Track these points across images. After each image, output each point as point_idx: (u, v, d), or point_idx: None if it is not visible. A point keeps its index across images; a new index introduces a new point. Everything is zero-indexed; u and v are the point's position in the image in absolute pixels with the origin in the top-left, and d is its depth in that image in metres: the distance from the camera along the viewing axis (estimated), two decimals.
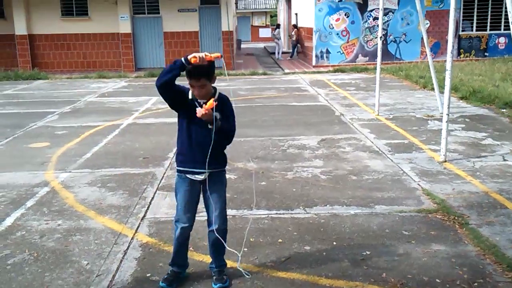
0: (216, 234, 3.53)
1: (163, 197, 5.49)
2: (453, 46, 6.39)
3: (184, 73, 3.29)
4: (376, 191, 5.49)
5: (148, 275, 3.79)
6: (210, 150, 3.35)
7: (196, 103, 3.36)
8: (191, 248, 4.17)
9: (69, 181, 6.12)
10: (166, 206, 5.21)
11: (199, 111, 3.24)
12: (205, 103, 3.31)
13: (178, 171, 3.52)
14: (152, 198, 5.47)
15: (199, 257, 4.04)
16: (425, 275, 3.68)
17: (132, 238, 4.44)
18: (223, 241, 3.56)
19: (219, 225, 3.53)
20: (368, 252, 4.06)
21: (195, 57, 3.17)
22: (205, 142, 3.35)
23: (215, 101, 3.30)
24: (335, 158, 6.85)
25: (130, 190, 5.73)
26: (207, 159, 3.36)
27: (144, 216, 4.96)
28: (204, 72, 3.27)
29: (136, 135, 8.62)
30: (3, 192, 5.73)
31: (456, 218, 4.68)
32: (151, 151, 7.43)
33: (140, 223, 4.78)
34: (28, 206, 5.27)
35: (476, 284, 3.54)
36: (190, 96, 3.39)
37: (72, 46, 20.19)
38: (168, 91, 3.31)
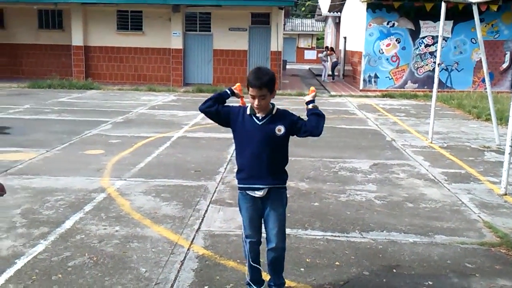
0: (274, 252, 3.47)
1: (216, 211, 5.50)
2: None
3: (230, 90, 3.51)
4: (434, 220, 5.33)
5: (205, 287, 3.77)
6: (268, 165, 3.34)
7: (254, 118, 3.34)
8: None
9: (124, 188, 6.23)
10: (219, 220, 5.22)
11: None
12: (265, 117, 3.33)
13: (239, 188, 3.49)
14: (206, 211, 5.49)
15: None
16: None
17: (188, 249, 4.45)
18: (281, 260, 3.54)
19: (277, 243, 3.45)
20: (430, 283, 3.92)
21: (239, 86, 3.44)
22: (262, 156, 3.32)
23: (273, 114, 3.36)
24: (389, 184, 6.71)
25: (184, 202, 5.78)
26: (266, 174, 3.34)
27: (199, 228, 4.98)
28: (266, 82, 3.24)
29: (187, 148, 8.72)
30: (62, 196, 5.88)
31: None
32: (202, 165, 7.49)
33: (195, 234, 4.80)
34: (86, 211, 5.38)
35: None
36: (248, 112, 3.36)
37: (124, 59, 20.81)
38: (212, 116, 3.46)
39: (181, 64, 20.48)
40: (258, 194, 3.39)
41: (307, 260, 4.29)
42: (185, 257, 4.29)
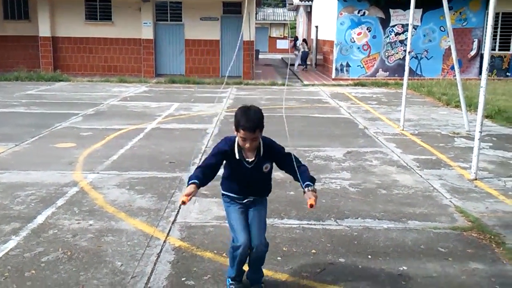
0: (257, 252, 3.42)
1: (192, 202, 5.45)
2: (480, 65, 6.30)
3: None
4: (407, 206, 5.42)
5: (183, 279, 3.76)
6: (256, 190, 3.47)
7: (244, 162, 3.32)
8: (224, 254, 4.17)
9: (97, 182, 6.13)
10: (195, 211, 5.19)
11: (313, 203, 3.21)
12: (254, 160, 3.32)
13: (226, 195, 3.52)
14: None
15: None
16: None
17: (165, 242, 4.42)
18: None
19: (260, 243, 3.41)
20: (405, 268, 3.99)
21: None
22: (251, 186, 3.43)
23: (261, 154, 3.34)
24: (362, 171, 6.79)
25: (159, 194, 5.72)
26: (253, 194, 3.48)
27: (175, 220, 4.94)
28: (258, 124, 3.20)
29: (161, 139, 8.63)
30: (33, 190, 5.75)
31: (492, 237, 4.60)
32: (176, 156, 7.43)
33: (171, 226, 4.76)
34: (58, 205, 5.28)
35: None
36: (237, 156, 3.32)
37: (94, 50, 20.40)
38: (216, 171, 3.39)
39: (153, 55, 20.20)
40: (246, 200, 3.47)
41: (284, 249, 4.32)
42: (161, 249, 4.26)
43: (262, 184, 3.50)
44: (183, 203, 3.15)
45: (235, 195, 3.47)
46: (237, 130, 3.21)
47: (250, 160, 3.33)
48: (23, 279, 3.71)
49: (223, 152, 3.37)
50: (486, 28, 6.10)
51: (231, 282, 3.59)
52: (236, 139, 3.32)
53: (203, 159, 7.14)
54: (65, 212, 5.09)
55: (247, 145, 3.23)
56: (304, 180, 3.34)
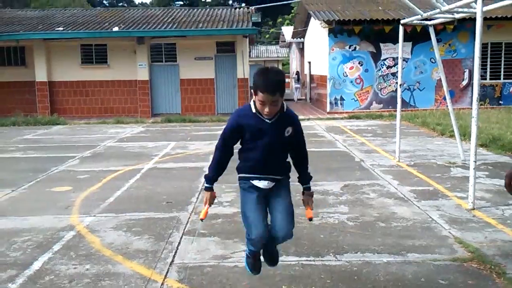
0: (279, 241, 3.40)
1: (189, 242, 5.43)
2: (471, 94, 6.40)
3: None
4: (406, 239, 5.39)
5: None
6: (276, 161, 3.26)
7: (262, 117, 3.08)
8: None
9: (94, 225, 6.10)
10: (193, 251, 5.15)
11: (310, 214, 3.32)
12: (276, 119, 3.11)
13: (244, 178, 3.28)
14: (179, 243, 5.41)
15: None
16: None
17: (162, 284, 4.37)
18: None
19: (286, 232, 3.31)
20: None
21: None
22: (272, 153, 3.20)
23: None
24: (360, 205, 6.78)
25: (156, 235, 5.68)
26: (273, 169, 3.27)
27: (173, 261, 4.89)
28: (280, 86, 2.97)
29: (158, 179, 8.63)
30: (29, 236, 5.71)
31: (492, 267, 4.56)
32: (173, 196, 7.42)
33: (169, 268, 4.71)
34: (55, 250, 5.23)
35: None
36: (253, 110, 3.08)
37: (90, 93, 20.63)
38: (231, 149, 3.32)
39: (148, 95, 20.42)
40: (263, 185, 3.23)
41: (283, 287, 4.27)
42: None
43: (282, 156, 3.25)
44: (205, 214, 3.28)
45: (253, 175, 3.21)
46: (255, 93, 2.97)
47: (269, 118, 3.07)
48: None
49: (235, 121, 3.15)
50: (475, 58, 6.25)
51: (249, 251, 3.51)
52: (252, 103, 3.09)
53: (200, 197, 7.19)
54: (62, 257, 5.04)
55: (266, 109, 2.96)
56: (303, 182, 3.43)
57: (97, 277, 4.54)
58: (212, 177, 3.33)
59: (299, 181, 3.49)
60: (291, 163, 3.47)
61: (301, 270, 4.61)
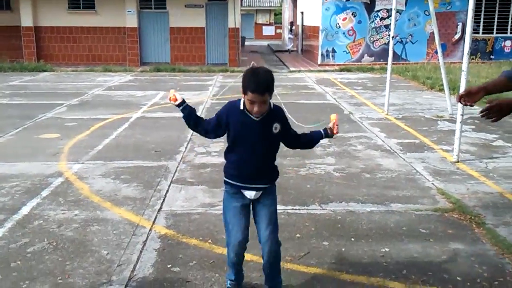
0: (269, 256, 3.20)
1: (177, 190, 5.50)
2: (463, 48, 6.36)
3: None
4: (390, 189, 5.50)
5: (169, 266, 3.79)
6: (263, 163, 3.16)
7: (250, 115, 3.03)
8: (210, 241, 4.22)
9: (82, 172, 6.13)
10: (181, 199, 5.22)
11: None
12: (264, 117, 3.03)
13: (229, 185, 3.20)
14: (167, 191, 5.47)
15: (219, 250, 4.05)
16: (446, 272, 3.70)
17: (150, 230, 4.45)
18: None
19: (271, 245, 3.17)
20: (387, 249, 4.07)
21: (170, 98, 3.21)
22: (258, 154, 3.11)
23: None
24: (347, 156, 6.86)
25: (144, 183, 5.74)
26: (261, 173, 3.15)
27: (161, 208, 4.97)
28: (269, 86, 2.93)
29: (146, 128, 8.62)
30: (18, 182, 5.74)
31: (472, 217, 4.70)
32: (162, 145, 7.44)
33: (157, 215, 4.79)
34: (43, 196, 5.27)
35: (496, 282, 3.56)
36: (241, 107, 3.04)
37: (77, 39, 20.19)
38: (213, 132, 3.24)
39: (137, 43, 20.05)
40: (251, 195, 3.16)
41: None
42: (147, 237, 4.29)
43: (270, 158, 3.18)
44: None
45: (241, 184, 3.14)
46: (245, 93, 2.94)
47: (257, 116, 3.02)
48: (9, 269, 3.73)
49: (225, 112, 3.10)
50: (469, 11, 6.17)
51: (230, 282, 3.39)
52: (242, 100, 3.04)
53: (189, 147, 7.22)
54: (50, 202, 5.09)
55: (256, 109, 2.94)
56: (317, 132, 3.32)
57: (85, 222, 4.61)
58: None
59: (321, 131, 3.37)
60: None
61: (286, 219, 4.71)
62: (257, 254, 3.73)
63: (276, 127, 3.09)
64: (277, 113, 3.13)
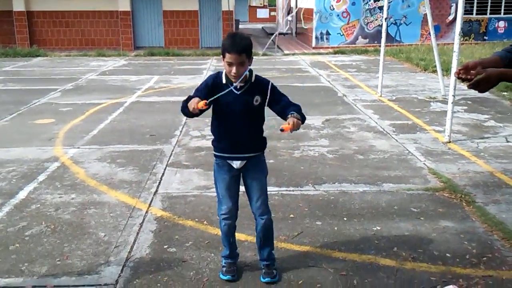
0: (262, 226, 3.34)
1: (173, 173, 5.56)
2: (460, 29, 6.40)
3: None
4: (383, 170, 5.59)
5: (165, 246, 3.87)
6: (247, 135, 3.20)
7: (231, 87, 3.08)
8: (205, 222, 4.29)
9: (78, 156, 6.17)
10: (177, 182, 5.29)
11: (286, 127, 2.88)
12: (243, 87, 3.07)
13: (216, 156, 3.30)
14: (163, 174, 5.54)
15: (214, 231, 4.13)
16: (435, 249, 3.79)
17: (147, 212, 4.52)
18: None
19: (264, 215, 3.33)
20: (378, 228, 4.17)
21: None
22: (241, 127, 3.17)
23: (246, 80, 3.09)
24: (340, 138, 6.93)
25: (140, 166, 5.80)
26: (245, 144, 3.22)
27: (156, 191, 5.04)
28: (245, 47, 2.99)
29: (141, 113, 8.65)
30: (14, 167, 5.78)
31: (462, 196, 4.79)
32: (157, 129, 7.48)
33: (153, 197, 4.86)
34: (40, 180, 5.33)
35: (485, 258, 3.66)
36: (224, 81, 3.11)
37: (70, 24, 20.04)
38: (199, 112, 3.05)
39: (130, 27, 19.93)
40: (236, 164, 3.25)
41: None
42: (143, 219, 4.37)
43: (254, 129, 3.24)
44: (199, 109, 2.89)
45: (227, 154, 3.24)
46: (223, 56, 3.01)
47: (238, 85, 3.07)
48: (7, 252, 3.80)
49: (209, 82, 3.14)
50: None
51: (224, 261, 3.47)
52: (223, 73, 3.12)
53: (183, 131, 7.27)
54: (47, 187, 5.15)
55: (234, 70, 2.98)
56: (289, 111, 3.05)
57: (82, 205, 4.68)
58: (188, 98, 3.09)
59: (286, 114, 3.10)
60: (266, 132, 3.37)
61: (280, 200, 4.79)
62: (251, 234, 3.83)
63: (257, 100, 3.14)
64: (259, 86, 3.16)
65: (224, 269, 3.46)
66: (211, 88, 3.12)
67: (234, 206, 3.34)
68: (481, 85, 2.50)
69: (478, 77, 2.47)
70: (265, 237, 3.41)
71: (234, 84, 3.09)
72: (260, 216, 3.34)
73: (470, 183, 5.16)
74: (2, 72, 13.90)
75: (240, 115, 3.15)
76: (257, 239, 3.45)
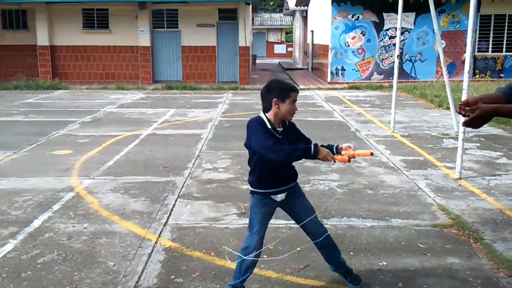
0: (324, 239, 3.62)
1: (184, 205, 5.66)
2: (470, 66, 6.50)
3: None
4: (392, 205, 5.61)
5: (172, 277, 3.94)
6: (289, 170, 3.53)
7: (275, 132, 3.35)
8: (212, 253, 4.36)
9: (93, 187, 6.33)
10: (187, 213, 5.38)
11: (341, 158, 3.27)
12: (283, 130, 3.38)
13: (260, 193, 3.46)
14: (174, 205, 5.64)
15: (221, 262, 4.19)
16: (441, 286, 3.79)
17: (156, 242, 4.61)
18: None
19: (322, 229, 3.65)
20: (384, 263, 4.18)
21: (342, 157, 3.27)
22: (286, 165, 3.48)
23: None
24: (351, 173, 6.98)
25: (152, 197, 5.91)
26: (288, 178, 3.52)
27: (167, 222, 5.13)
28: None
29: (156, 145, 8.83)
30: (30, 196, 5.95)
31: (470, 233, 4.78)
32: (170, 161, 7.63)
33: (163, 228, 4.95)
34: (54, 210, 5.47)
35: None
36: (269, 126, 3.33)
37: (92, 58, 20.66)
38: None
39: (150, 62, 20.45)
40: (281, 197, 3.48)
41: (270, 247, 4.48)
42: (152, 250, 4.45)
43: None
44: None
45: (270, 190, 3.43)
46: (287, 97, 3.28)
47: (279, 130, 3.37)
48: (20, 279, 3.90)
49: (265, 127, 3.33)
50: (478, 30, 6.32)
51: None
52: (261, 116, 3.36)
53: (196, 163, 7.40)
54: (61, 216, 5.29)
55: (292, 108, 3.32)
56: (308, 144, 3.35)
57: (94, 235, 4.79)
58: (295, 147, 3.27)
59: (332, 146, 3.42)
60: None
61: (288, 232, 4.83)
62: (257, 266, 3.87)
63: (292, 139, 3.43)
64: (290, 126, 3.50)
65: None
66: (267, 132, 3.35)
67: (264, 236, 3.54)
68: (475, 122, 2.57)
69: (472, 115, 2.54)
70: (335, 246, 3.71)
71: (278, 129, 3.37)
72: (323, 232, 3.61)
73: (479, 220, 5.15)
74: (25, 104, 14.33)
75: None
76: (325, 253, 3.72)
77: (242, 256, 3.50)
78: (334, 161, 3.31)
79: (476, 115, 2.54)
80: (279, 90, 3.32)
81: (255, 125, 3.34)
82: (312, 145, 3.25)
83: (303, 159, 3.31)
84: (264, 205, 3.48)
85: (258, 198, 3.49)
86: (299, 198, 3.59)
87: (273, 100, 3.30)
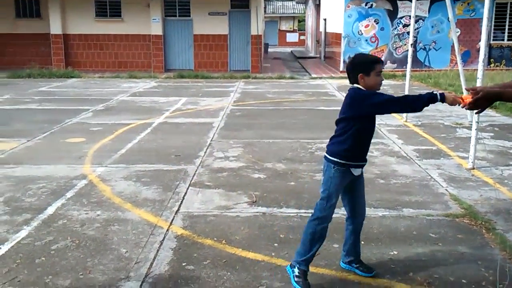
0: (361, 223, 3.82)
1: (195, 193, 5.69)
2: (484, 55, 6.41)
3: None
4: (403, 195, 5.59)
5: (183, 264, 3.98)
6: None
7: None
8: (224, 241, 4.39)
9: (105, 175, 6.38)
10: (198, 202, 5.41)
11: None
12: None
13: (343, 164, 3.52)
14: (185, 193, 5.67)
15: (232, 250, 4.21)
16: (452, 275, 3.78)
17: (168, 230, 4.64)
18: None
19: (364, 214, 3.86)
20: (395, 252, 4.17)
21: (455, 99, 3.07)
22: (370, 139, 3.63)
23: None
24: None
25: (164, 185, 5.95)
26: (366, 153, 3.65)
27: (178, 210, 5.17)
28: None
29: (168, 133, 8.87)
30: (44, 183, 6.02)
31: (483, 223, 4.75)
32: (182, 149, 7.66)
33: (174, 216, 4.99)
34: (68, 197, 5.53)
35: (501, 286, 3.62)
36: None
37: (104, 46, 20.73)
38: None
39: (162, 50, 20.47)
40: (357, 172, 3.61)
41: (281, 236, 4.52)
42: (164, 237, 4.49)
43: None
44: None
45: (353, 162, 3.54)
46: (372, 69, 3.34)
47: None
48: (34, 265, 3.96)
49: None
50: (493, 19, 6.23)
51: (301, 268, 3.60)
52: (357, 86, 3.44)
53: (208, 152, 7.42)
54: (74, 203, 5.35)
55: (379, 80, 3.40)
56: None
57: (107, 222, 4.84)
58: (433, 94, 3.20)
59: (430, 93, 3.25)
60: None
61: (299, 221, 4.85)
62: (268, 255, 3.88)
63: None
64: None
65: (300, 281, 3.57)
66: None
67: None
68: (480, 105, 2.57)
69: (475, 97, 2.54)
70: (358, 234, 3.83)
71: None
72: (362, 215, 3.80)
73: (492, 210, 5.12)
74: (38, 92, 14.45)
75: (373, 128, 3.59)
76: (353, 239, 3.81)
77: (315, 226, 3.61)
78: (463, 106, 2.98)
79: (479, 96, 2.55)
80: (363, 65, 3.40)
81: (363, 92, 3.41)
82: (438, 92, 3.19)
83: None
84: (345, 177, 3.57)
85: (340, 171, 3.54)
86: (362, 179, 3.72)
87: (359, 76, 3.39)
